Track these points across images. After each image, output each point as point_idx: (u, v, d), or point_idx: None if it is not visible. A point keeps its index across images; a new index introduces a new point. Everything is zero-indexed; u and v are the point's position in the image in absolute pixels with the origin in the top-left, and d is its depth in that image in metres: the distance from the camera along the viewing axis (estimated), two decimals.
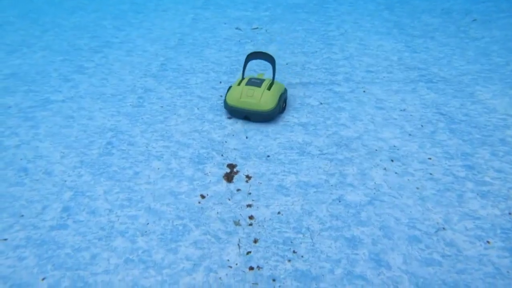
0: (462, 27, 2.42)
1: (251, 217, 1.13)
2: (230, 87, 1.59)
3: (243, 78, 1.58)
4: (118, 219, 1.12)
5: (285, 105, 1.61)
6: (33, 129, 1.51)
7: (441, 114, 1.59)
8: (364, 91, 1.76)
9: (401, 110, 1.62)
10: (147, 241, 1.05)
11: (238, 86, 1.53)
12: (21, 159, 1.36)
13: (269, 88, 1.50)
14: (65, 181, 1.26)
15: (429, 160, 1.34)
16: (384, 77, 1.88)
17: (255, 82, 1.52)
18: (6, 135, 1.48)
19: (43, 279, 0.95)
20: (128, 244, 1.05)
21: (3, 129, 1.51)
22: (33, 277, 0.96)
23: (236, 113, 1.53)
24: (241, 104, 1.50)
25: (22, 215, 1.13)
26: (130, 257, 1.01)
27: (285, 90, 1.60)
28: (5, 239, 1.06)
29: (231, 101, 1.52)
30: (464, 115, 1.58)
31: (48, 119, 1.58)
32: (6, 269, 0.98)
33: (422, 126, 1.52)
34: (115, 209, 1.16)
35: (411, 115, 1.59)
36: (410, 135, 1.47)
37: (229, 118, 1.58)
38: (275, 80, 1.56)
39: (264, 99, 1.48)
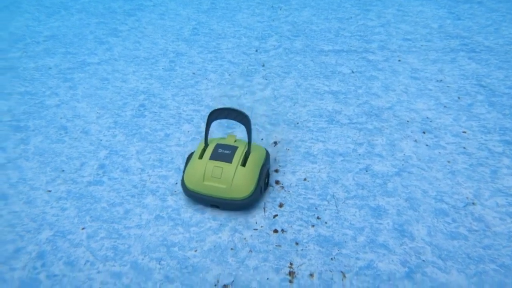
0: None
1: (277, 182, 1.15)
2: (189, 156, 1.15)
3: (206, 145, 1.10)
4: (150, 178, 1.18)
5: (268, 180, 1.14)
6: (72, 90, 1.58)
7: (481, 86, 1.51)
8: (399, 60, 1.69)
9: (437, 80, 1.55)
10: (176, 200, 1.10)
11: (200, 161, 1.05)
12: (61, 118, 1.43)
13: (244, 163, 1.04)
14: (101, 140, 1.33)
15: (464, 134, 1.29)
16: (422, 45, 1.79)
17: (224, 154, 1.05)
18: (47, 95, 1.56)
19: (83, 228, 1.03)
20: (159, 202, 1.10)
21: (45, 89, 1.59)
22: (74, 226, 1.04)
23: (198, 199, 1.07)
24: (205, 189, 1.04)
25: (63, 170, 1.21)
26: (160, 214, 1.07)
27: (267, 157, 1.13)
28: (49, 191, 1.14)
29: (192, 184, 1.05)
30: (508, 88, 1.49)
31: (85, 80, 1.64)
32: (52, 217, 1.07)
33: (459, 98, 1.46)
34: (147, 168, 1.21)
35: (448, 86, 1.52)
36: (445, 107, 1.41)
37: (259, 84, 1.57)
38: (251, 145, 1.09)
39: (237, 182, 1.02)
